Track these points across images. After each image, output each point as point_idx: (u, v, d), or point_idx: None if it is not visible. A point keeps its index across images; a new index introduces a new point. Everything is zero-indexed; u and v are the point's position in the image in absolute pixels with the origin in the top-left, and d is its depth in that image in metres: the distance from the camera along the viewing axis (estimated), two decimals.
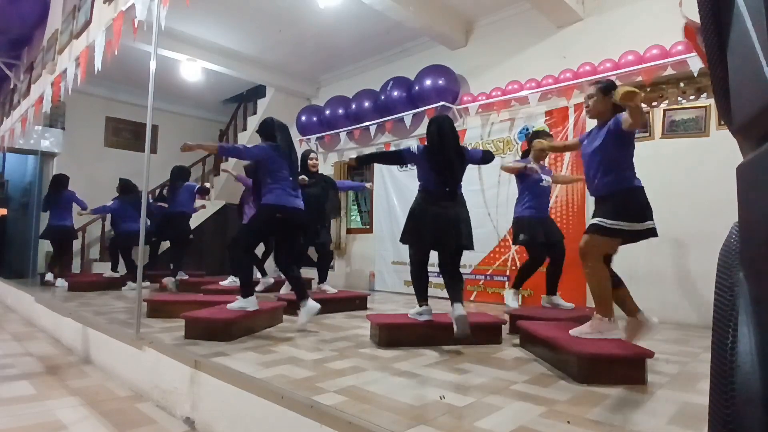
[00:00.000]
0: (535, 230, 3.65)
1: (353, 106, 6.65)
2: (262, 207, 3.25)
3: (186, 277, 5.78)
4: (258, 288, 4.88)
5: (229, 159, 8.05)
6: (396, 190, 6.37)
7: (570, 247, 3.90)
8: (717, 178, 3.42)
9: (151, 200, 6.11)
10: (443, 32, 5.59)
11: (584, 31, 4.78)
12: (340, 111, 6.87)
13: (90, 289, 5.62)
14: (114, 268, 6.19)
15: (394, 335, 2.81)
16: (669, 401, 1.83)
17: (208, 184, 7.71)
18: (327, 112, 7.04)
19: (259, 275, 5.55)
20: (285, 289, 4.66)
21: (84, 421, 2.12)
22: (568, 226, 4.58)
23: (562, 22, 4.88)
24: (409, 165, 6.67)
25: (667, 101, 4.19)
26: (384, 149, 6.54)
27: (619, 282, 2.51)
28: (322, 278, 4.90)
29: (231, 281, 5.34)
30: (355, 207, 7.38)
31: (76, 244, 7.01)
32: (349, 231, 7.14)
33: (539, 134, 3.80)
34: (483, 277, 5.27)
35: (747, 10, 0.51)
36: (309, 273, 6.00)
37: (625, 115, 2.32)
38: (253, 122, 8.26)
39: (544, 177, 3.73)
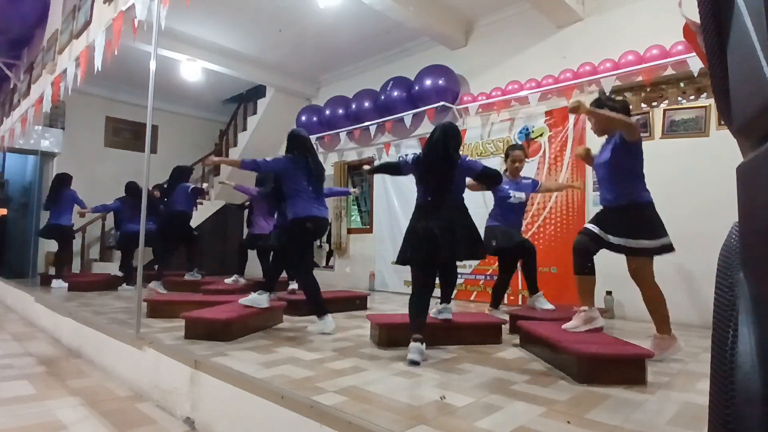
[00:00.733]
0: (505, 236, 3.70)
1: (353, 106, 6.65)
2: (292, 222, 3.28)
3: (200, 276, 5.71)
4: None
5: (222, 169, 8.11)
6: (396, 190, 6.37)
7: (570, 250, 3.91)
8: (717, 178, 3.42)
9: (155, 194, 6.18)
10: (443, 32, 5.59)
11: (584, 31, 4.77)
12: (340, 111, 6.87)
13: (90, 289, 5.62)
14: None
15: (394, 335, 2.81)
16: (669, 401, 1.83)
17: (206, 185, 7.65)
18: (327, 112, 7.04)
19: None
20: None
21: (84, 421, 2.12)
22: (569, 227, 4.58)
23: (562, 22, 4.88)
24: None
25: (667, 101, 4.19)
26: (384, 149, 6.55)
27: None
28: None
29: (234, 279, 5.49)
30: (355, 207, 7.38)
31: (77, 244, 7.01)
32: (349, 231, 7.14)
33: (514, 147, 3.91)
34: (483, 277, 5.27)
35: (747, 10, 0.51)
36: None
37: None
38: (253, 122, 8.26)
39: (513, 193, 3.72)
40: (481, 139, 5.49)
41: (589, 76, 4.49)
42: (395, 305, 4.80)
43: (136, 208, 5.79)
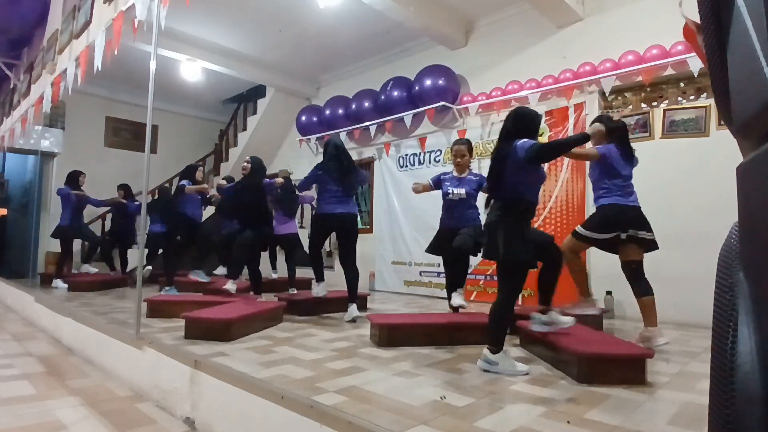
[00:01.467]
0: (440, 241, 3.61)
1: (353, 106, 6.65)
2: (312, 217, 4.17)
3: (208, 279, 5.50)
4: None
5: (222, 169, 8.17)
6: (396, 190, 6.37)
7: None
8: (717, 178, 3.42)
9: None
10: (443, 32, 5.59)
11: (584, 31, 4.77)
12: (340, 111, 6.87)
13: (90, 289, 5.62)
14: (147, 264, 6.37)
15: (394, 335, 2.81)
16: (669, 401, 1.83)
17: (212, 191, 7.36)
18: (327, 112, 7.04)
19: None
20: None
21: (84, 421, 2.12)
22: (569, 226, 4.58)
23: (562, 22, 4.88)
24: (408, 165, 6.82)
25: (667, 101, 4.19)
26: (384, 149, 6.55)
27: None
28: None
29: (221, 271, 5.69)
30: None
31: (77, 244, 7.00)
32: None
33: (457, 142, 3.76)
34: (483, 277, 5.27)
35: (747, 10, 0.51)
36: (310, 273, 6.00)
37: None
38: (253, 122, 8.26)
39: (451, 190, 3.56)
40: (481, 139, 5.49)
41: (589, 76, 4.49)
42: (395, 305, 4.80)
43: (156, 209, 6.11)
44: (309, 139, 7.40)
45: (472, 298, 5.30)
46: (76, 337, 3.49)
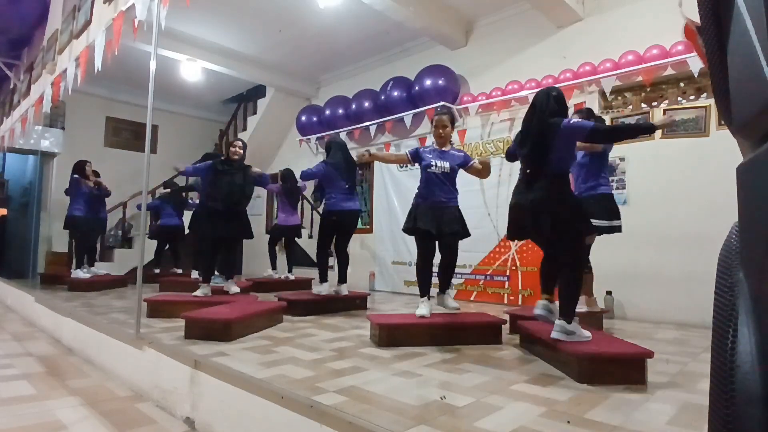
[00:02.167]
0: (419, 217, 3.13)
1: (353, 106, 6.65)
2: (323, 213, 4.34)
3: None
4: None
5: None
6: (396, 190, 6.37)
7: None
8: (717, 178, 3.42)
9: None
10: (443, 32, 5.59)
11: (584, 31, 4.77)
12: (340, 111, 6.87)
13: (90, 289, 5.62)
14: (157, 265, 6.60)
15: (394, 335, 2.81)
16: (669, 401, 1.83)
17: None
18: (327, 112, 7.04)
19: (271, 271, 6.19)
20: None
21: (84, 421, 2.12)
22: None
23: (562, 22, 4.88)
24: (408, 165, 6.78)
25: (667, 101, 4.19)
26: (384, 149, 6.54)
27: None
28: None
29: (269, 274, 6.13)
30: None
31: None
32: None
33: (439, 112, 3.40)
34: (483, 277, 5.27)
35: (747, 10, 0.51)
36: (310, 273, 6.01)
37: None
38: (253, 122, 8.27)
39: (434, 162, 3.18)
40: (481, 139, 5.49)
41: (589, 76, 4.49)
42: (395, 305, 4.80)
43: (171, 204, 6.37)
44: (309, 139, 7.40)
45: (472, 298, 5.30)
46: (76, 337, 3.49)
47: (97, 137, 8.54)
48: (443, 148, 3.29)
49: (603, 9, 4.66)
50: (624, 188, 4.29)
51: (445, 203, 3.16)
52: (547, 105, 2.45)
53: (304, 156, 7.71)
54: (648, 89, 4.29)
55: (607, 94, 4.47)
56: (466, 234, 3.21)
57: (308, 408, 1.62)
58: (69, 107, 7.95)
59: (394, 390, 1.90)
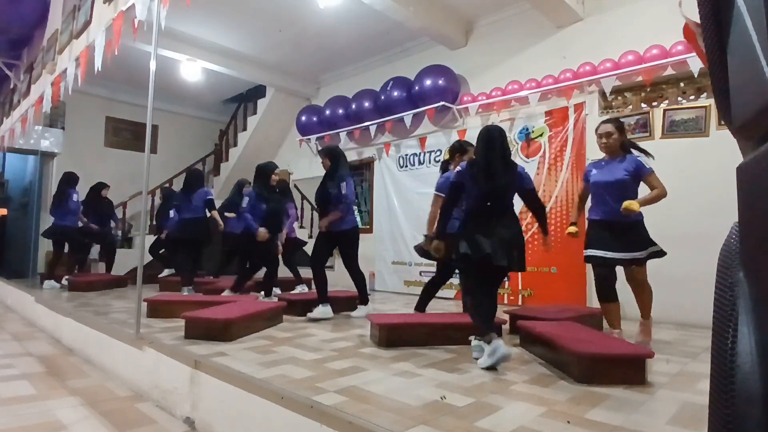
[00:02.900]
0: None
1: (353, 106, 6.65)
2: (351, 231, 4.17)
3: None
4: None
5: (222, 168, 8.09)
6: (396, 190, 6.37)
7: (570, 250, 3.91)
8: (717, 178, 3.41)
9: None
10: (443, 32, 5.59)
11: (584, 31, 4.77)
12: (340, 111, 6.87)
13: (90, 289, 5.62)
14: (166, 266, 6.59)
15: (394, 335, 2.81)
16: (669, 401, 1.83)
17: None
18: (327, 112, 7.03)
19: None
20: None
21: (84, 421, 2.12)
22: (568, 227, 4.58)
23: (562, 22, 4.88)
24: (408, 165, 6.82)
25: (667, 101, 4.19)
26: (384, 149, 6.55)
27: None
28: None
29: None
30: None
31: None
32: None
33: (463, 144, 3.59)
34: None
35: (747, 10, 0.51)
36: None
37: (650, 182, 2.97)
38: (254, 122, 8.26)
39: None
40: None
41: (589, 76, 4.49)
42: (395, 305, 4.80)
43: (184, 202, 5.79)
44: (309, 139, 7.40)
45: None
46: (76, 337, 3.49)
47: (97, 137, 8.54)
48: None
49: (603, 9, 4.66)
50: None
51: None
52: (504, 145, 2.59)
53: (304, 156, 7.70)
54: (648, 89, 4.29)
55: (607, 94, 4.47)
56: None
57: (308, 408, 1.62)
58: (69, 107, 7.95)
59: (394, 390, 1.90)
